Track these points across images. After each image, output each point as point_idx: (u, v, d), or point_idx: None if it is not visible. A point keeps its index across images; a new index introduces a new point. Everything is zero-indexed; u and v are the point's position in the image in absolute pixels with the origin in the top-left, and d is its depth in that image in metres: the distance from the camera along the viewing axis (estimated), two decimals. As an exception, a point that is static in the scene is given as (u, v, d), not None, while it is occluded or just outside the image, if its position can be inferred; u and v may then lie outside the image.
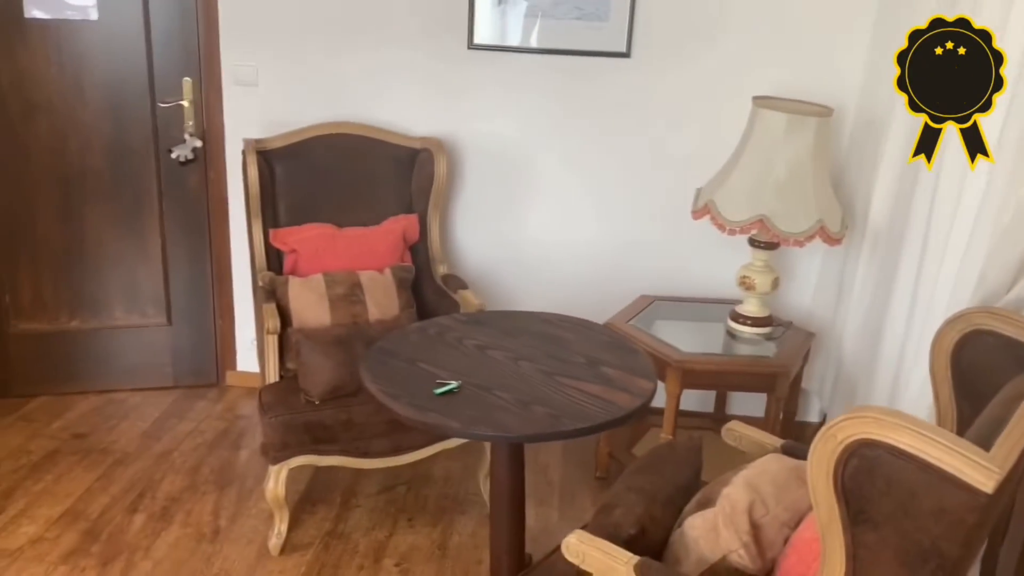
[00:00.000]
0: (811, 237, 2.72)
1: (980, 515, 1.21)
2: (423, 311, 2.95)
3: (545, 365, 2.20)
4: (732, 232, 2.77)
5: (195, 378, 3.64)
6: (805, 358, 3.00)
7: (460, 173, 3.35)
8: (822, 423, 2.72)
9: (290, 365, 2.72)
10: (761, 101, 2.81)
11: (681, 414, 2.83)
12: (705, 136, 3.15)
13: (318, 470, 3.03)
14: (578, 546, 1.66)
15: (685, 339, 2.88)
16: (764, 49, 3.07)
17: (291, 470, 2.62)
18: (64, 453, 3.13)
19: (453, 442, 2.74)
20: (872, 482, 1.28)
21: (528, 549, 2.44)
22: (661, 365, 2.72)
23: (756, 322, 2.95)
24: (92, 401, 3.49)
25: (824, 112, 2.75)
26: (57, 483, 2.96)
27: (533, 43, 3.16)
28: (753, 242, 2.88)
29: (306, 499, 2.94)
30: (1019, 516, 1.85)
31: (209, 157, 3.38)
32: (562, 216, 3.36)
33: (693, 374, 2.73)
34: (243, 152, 3.00)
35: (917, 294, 2.48)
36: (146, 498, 2.90)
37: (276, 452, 2.58)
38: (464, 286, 3.02)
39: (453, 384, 2.08)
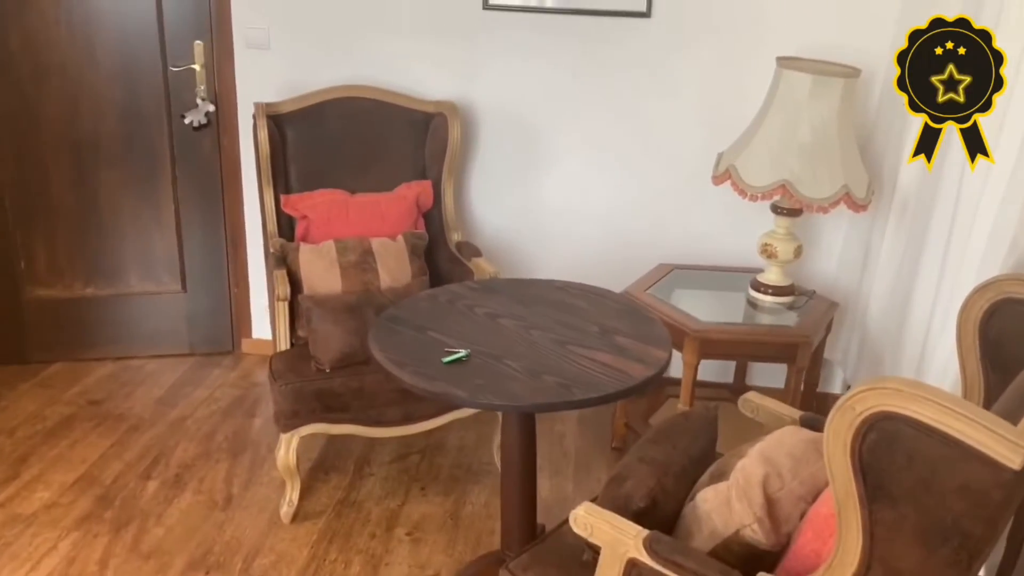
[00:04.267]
0: (836, 203, 2.63)
1: (1006, 492, 1.15)
2: (436, 279, 2.90)
3: (557, 334, 2.15)
4: (754, 198, 2.68)
5: (210, 345, 3.63)
6: (828, 328, 2.92)
7: (475, 138, 3.28)
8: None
9: (301, 333, 2.69)
10: (786, 61, 2.70)
11: (700, 385, 2.77)
12: (728, 99, 3.04)
13: (332, 438, 3.02)
14: (586, 519, 1.62)
15: (704, 308, 2.82)
16: (790, 8, 2.95)
17: (304, 438, 2.59)
18: (80, 419, 3.14)
19: (466, 412, 2.70)
20: (892, 457, 1.22)
21: (543, 520, 2.41)
22: (679, 334, 2.65)
23: (777, 291, 2.88)
24: (108, 368, 3.49)
25: (851, 73, 2.64)
26: (72, 449, 2.97)
27: (550, 2, 3.07)
28: (776, 209, 2.80)
29: (319, 467, 2.92)
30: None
31: (222, 122, 3.33)
32: (580, 183, 3.28)
33: (711, 344, 2.66)
34: (253, 116, 2.95)
35: (946, 262, 2.38)
36: (160, 465, 2.90)
37: (287, 420, 2.56)
38: (478, 254, 2.96)
39: (462, 352, 2.03)
